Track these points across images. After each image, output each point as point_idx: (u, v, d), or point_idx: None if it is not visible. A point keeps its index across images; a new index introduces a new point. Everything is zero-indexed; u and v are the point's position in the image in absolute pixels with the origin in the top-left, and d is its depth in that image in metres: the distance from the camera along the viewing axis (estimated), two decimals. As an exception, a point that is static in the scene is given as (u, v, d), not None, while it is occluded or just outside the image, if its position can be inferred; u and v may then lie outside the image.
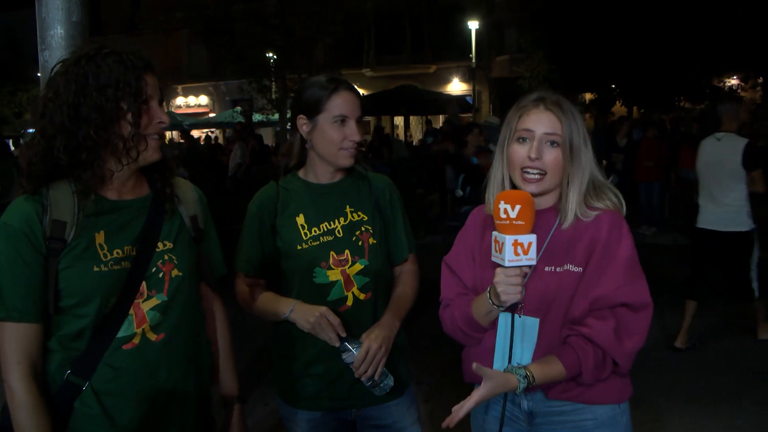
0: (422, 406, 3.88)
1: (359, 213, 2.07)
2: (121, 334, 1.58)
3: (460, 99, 22.02)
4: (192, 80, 30.02)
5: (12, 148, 7.56)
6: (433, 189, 12.83)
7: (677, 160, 9.88)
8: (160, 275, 1.64)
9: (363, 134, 2.07)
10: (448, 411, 1.62)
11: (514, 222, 1.57)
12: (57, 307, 1.53)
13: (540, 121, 1.72)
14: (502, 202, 1.58)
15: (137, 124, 1.53)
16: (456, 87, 26.77)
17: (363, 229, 2.05)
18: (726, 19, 14.60)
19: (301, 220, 2.04)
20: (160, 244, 1.67)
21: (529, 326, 1.73)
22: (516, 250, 1.57)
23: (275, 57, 18.19)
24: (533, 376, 1.62)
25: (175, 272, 1.67)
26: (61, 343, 1.57)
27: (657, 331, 5.53)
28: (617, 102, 19.74)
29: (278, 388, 2.16)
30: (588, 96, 21.68)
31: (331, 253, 2.00)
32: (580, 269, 1.69)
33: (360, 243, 2.03)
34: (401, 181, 11.14)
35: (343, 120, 1.98)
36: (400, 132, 24.54)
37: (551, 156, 1.72)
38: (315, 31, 17.46)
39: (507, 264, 1.58)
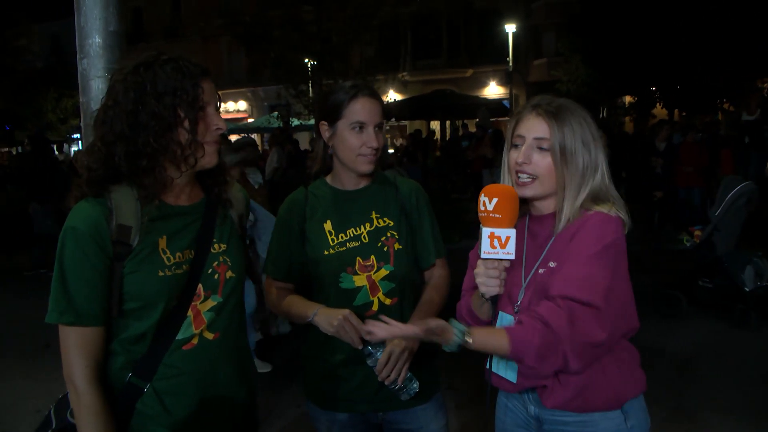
0: (452, 412, 3.88)
1: (385, 219, 2.09)
2: (180, 335, 1.61)
3: (496, 103, 21.85)
4: (231, 86, 30.46)
5: (56, 152, 7.79)
6: (468, 193, 12.77)
7: (718, 165, 9.64)
8: (216, 276, 1.68)
9: (383, 140, 2.07)
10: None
11: (491, 214, 1.59)
12: (121, 310, 1.55)
13: (531, 127, 1.73)
14: (482, 195, 1.61)
15: (194, 131, 1.56)
16: (493, 91, 26.62)
17: (388, 234, 2.06)
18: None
19: (328, 226, 2.06)
20: (215, 246, 1.70)
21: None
22: (492, 242, 1.58)
23: (313, 62, 18.36)
24: (470, 336, 1.56)
25: (229, 273, 1.71)
26: (122, 345, 1.59)
27: (697, 339, 5.43)
28: (658, 105, 19.35)
29: (307, 390, 2.19)
30: (628, 99, 21.32)
31: (357, 258, 2.02)
32: (555, 264, 1.67)
33: (385, 249, 2.04)
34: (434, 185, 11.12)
35: (361, 126, 2.00)
36: (436, 136, 24.50)
37: (542, 161, 1.71)
38: (351, 37, 17.57)
39: (483, 256, 1.60)
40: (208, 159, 1.63)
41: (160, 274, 1.56)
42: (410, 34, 26.19)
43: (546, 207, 1.78)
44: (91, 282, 1.51)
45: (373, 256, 2.03)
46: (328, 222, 2.07)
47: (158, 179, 1.57)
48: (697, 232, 5.90)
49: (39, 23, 27.99)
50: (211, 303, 1.66)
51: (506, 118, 22.64)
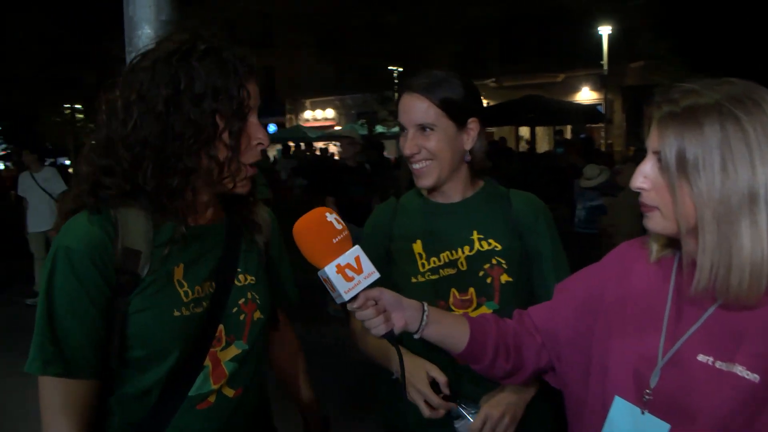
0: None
1: (490, 241, 1.65)
2: (194, 391, 1.27)
3: (590, 108, 20.90)
4: (319, 94, 30.87)
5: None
6: (560, 204, 12.13)
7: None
8: (242, 317, 1.33)
9: (435, 144, 1.60)
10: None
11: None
12: (123, 359, 1.22)
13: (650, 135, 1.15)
14: None
15: (236, 147, 1.22)
16: (586, 96, 25.55)
17: (494, 261, 1.63)
18: None
19: (418, 247, 1.67)
20: (240, 278, 1.36)
21: (652, 429, 1.15)
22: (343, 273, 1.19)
23: (399, 69, 18.26)
24: None
25: (257, 314, 1.37)
26: (121, 402, 1.27)
27: None
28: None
29: None
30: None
31: (452, 290, 1.61)
32: (757, 378, 1.04)
33: (489, 280, 1.62)
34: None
35: (403, 130, 1.65)
36: (523, 144, 23.81)
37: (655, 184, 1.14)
38: (436, 42, 17.32)
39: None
40: (245, 184, 1.31)
41: (176, 313, 1.22)
42: (498, 39, 25.53)
43: (691, 250, 1.12)
44: (87, 321, 1.17)
45: (472, 289, 1.61)
46: (418, 242, 1.67)
47: (188, 204, 1.24)
48: None
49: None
50: (234, 351, 1.32)
51: (600, 125, 21.65)
